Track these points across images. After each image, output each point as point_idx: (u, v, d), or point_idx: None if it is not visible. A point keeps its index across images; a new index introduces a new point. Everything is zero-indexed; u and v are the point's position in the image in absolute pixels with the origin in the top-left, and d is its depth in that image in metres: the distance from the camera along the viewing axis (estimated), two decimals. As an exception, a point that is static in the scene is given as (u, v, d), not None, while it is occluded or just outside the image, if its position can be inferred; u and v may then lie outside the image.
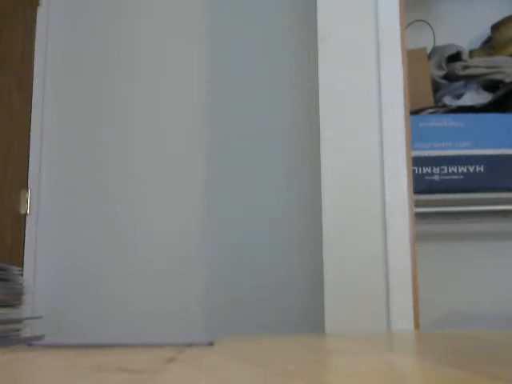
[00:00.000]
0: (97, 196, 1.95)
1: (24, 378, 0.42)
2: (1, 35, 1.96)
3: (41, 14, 2.01)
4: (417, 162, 1.79)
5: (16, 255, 1.86)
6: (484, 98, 1.89)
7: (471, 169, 1.82)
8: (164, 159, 1.96)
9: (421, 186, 1.77)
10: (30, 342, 0.79)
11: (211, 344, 0.74)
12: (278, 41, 2.01)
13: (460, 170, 1.82)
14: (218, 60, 2.01)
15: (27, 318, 0.97)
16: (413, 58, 1.76)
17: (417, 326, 1.43)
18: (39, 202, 1.92)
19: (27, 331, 0.97)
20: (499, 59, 1.91)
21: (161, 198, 1.94)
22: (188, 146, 1.97)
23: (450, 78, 1.94)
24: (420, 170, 1.82)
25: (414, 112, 1.84)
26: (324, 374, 0.41)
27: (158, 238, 1.92)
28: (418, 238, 1.53)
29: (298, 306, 1.84)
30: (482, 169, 1.82)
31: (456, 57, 1.95)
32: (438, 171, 1.82)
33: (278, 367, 0.45)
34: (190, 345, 0.74)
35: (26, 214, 1.90)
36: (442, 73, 1.94)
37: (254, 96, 1.99)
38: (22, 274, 0.98)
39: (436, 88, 1.94)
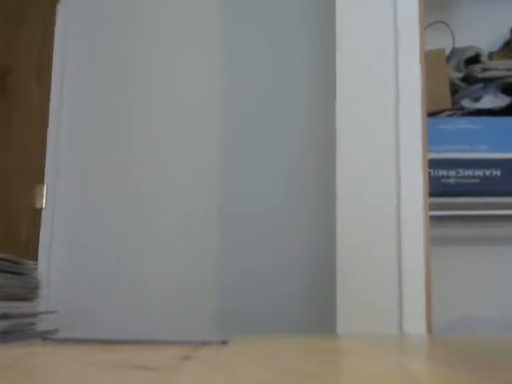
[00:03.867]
0: (112, 191, 1.96)
1: (39, 373, 0.43)
2: (21, 30, 1.97)
3: (60, 9, 2.02)
4: (433, 164, 1.77)
5: (31, 249, 1.87)
6: (502, 101, 1.88)
7: (487, 172, 1.81)
8: (180, 156, 1.97)
9: (436, 188, 1.75)
10: (44, 336, 0.80)
11: (225, 343, 0.74)
12: (293, 44, 2.00)
13: (476, 174, 1.81)
14: (233, 60, 2.01)
15: (42, 313, 0.98)
16: (431, 60, 1.75)
17: (429, 329, 1.42)
18: (55, 197, 1.93)
19: (42, 325, 0.98)
20: (518, 62, 1.89)
21: (176, 193, 1.95)
22: (202, 135, 1.97)
23: (468, 80, 1.93)
24: (436, 172, 1.81)
25: (432, 114, 1.83)
26: (339, 375, 0.41)
27: (173, 232, 1.92)
28: (432, 242, 1.52)
29: (310, 305, 1.84)
30: (498, 173, 1.80)
31: (475, 59, 1.93)
32: (454, 174, 1.81)
33: (294, 367, 0.45)
34: (204, 343, 0.74)
35: (41, 209, 1.91)
36: (460, 75, 1.93)
37: (268, 103, 1.98)
38: (36, 268, 0.99)
39: (454, 90, 1.92)
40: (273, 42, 2.01)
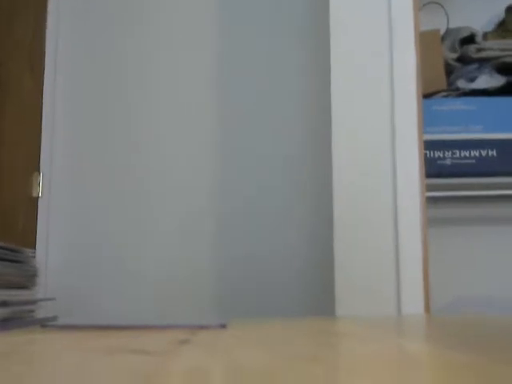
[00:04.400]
0: (108, 179, 1.95)
1: (39, 360, 0.43)
2: (13, 22, 1.96)
3: (52, 1, 2.00)
4: (429, 145, 1.78)
5: (29, 238, 1.87)
6: (498, 81, 1.88)
7: (483, 153, 1.81)
8: (178, 153, 1.96)
9: (432, 169, 1.76)
10: (43, 324, 0.80)
11: (223, 326, 0.74)
12: (288, 22, 1.99)
13: (472, 154, 1.81)
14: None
15: (40, 300, 0.98)
16: (426, 40, 1.75)
17: (427, 310, 1.43)
18: (51, 185, 1.93)
19: (40, 313, 0.98)
20: (513, 42, 1.89)
21: (174, 185, 1.95)
22: (200, 132, 1.97)
23: (463, 60, 1.92)
24: (432, 153, 1.81)
25: (427, 95, 1.83)
26: (337, 358, 0.41)
27: (170, 223, 1.93)
28: (429, 223, 1.53)
29: (309, 289, 1.85)
30: (494, 153, 1.80)
31: (470, 39, 1.93)
32: (449, 155, 1.81)
33: (292, 351, 0.46)
34: (202, 327, 0.74)
35: (38, 197, 1.91)
36: (455, 55, 1.92)
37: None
38: (34, 256, 0.99)
39: (449, 71, 1.92)
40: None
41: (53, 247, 1.91)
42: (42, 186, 1.91)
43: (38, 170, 1.91)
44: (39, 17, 1.98)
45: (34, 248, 1.87)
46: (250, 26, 2.01)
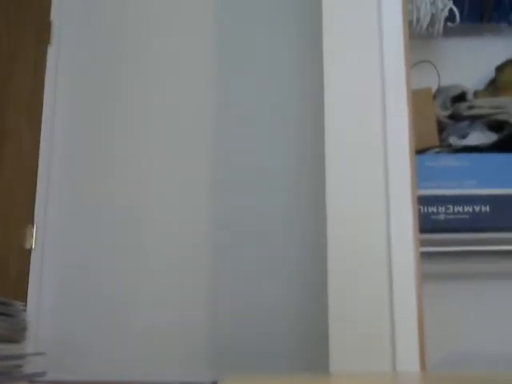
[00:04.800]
0: (102, 233, 1.95)
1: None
2: (12, 73, 1.99)
3: (51, 52, 2.04)
4: (422, 201, 1.79)
5: (20, 290, 1.85)
6: (489, 138, 1.90)
7: (477, 208, 1.82)
8: (171, 198, 1.97)
9: (426, 225, 1.76)
10: (32, 379, 0.79)
11: (214, 383, 0.73)
12: (286, 80, 2.03)
13: (466, 210, 1.82)
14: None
15: (30, 355, 0.97)
16: (418, 98, 1.78)
17: (423, 366, 1.41)
18: (45, 238, 1.92)
19: (29, 367, 0.96)
20: (504, 100, 1.93)
21: (167, 232, 1.94)
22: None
23: (454, 117, 1.95)
24: (426, 209, 1.82)
25: (420, 151, 1.85)
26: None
27: (164, 272, 1.91)
28: (423, 278, 1.52)
29: (302, 344, 1.83)
30: (487, 208, 1.81)
31: (461, 97, 1.97)
32: (443, 210, 1.82)
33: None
34: (193, 384, 0.73)
35: (31, 249, 1.90)
36: (447, 113, 1.95)
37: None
38: (25, 310, 0.98)
39: (441, 128, 1.95)
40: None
41: (45, 300, 1.89)
42: (36, 238, 1.90)
43: (32, 222, 1.91)
44: (38, 71, 2.01)
45: (26, 300, 1.85)
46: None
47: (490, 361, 1.89)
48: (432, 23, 2.01)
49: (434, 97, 1.98)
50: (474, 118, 1.92)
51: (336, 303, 1.44)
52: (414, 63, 2.02)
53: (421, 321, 1.43)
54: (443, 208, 1.82)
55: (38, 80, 2.01)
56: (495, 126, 1.92)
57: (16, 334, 0.93)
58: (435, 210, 1.82)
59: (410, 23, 1.94)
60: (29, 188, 1.93)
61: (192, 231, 1.94)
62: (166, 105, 2.04)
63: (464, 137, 1.92)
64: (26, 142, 1.96)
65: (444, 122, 1.95)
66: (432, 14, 1.99)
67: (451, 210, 1.82)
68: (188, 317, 1.88)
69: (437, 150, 1.91)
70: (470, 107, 1.92)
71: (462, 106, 1.93)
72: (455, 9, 1.99)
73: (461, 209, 1.82)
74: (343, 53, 1.57)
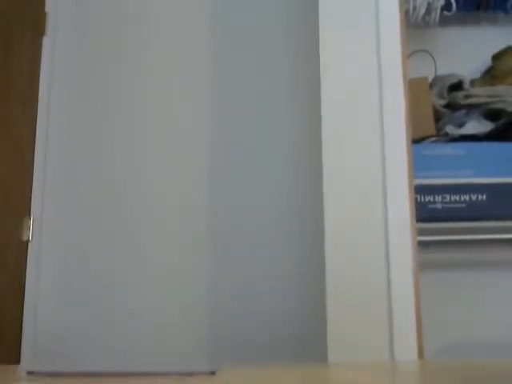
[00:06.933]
0: (99, 224, 1.95)
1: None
2: (8, 64, 1.98)
3: (46, 43, 2.03)
4: (419, 190, 1.79)
5: (18, 281, 1.86)
6: (485, 126, 1.90)
7: (473, 197, 1.82)
8: (167, 198, 1.97)
9: (423, 214, 1.76)
10: (29, 370, 0.79)
11: (213, 373, 0.73)
12: (280, 75, 2.02)
13: (462, 199, 1.82)
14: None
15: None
16: (415, 88, 1.78)
17: (420, 355, 1.41)
18: (41, 229, 1.92)
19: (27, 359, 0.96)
20: (500, 89, 1.92)
21: (166, 226, 1.94)
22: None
23: (451, 106, 1.95)
24: (422, 198, 1.82)
25: (417, 141, 1.85)
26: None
27: (162, 267, 1.91)
28: (420, 267, 1.53)
29: (300, 335, 1.83)
30: (484, 197, 1.82)
31: (457, 86, 1.97)
32: (440, 199, 1.82)
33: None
34: (191, 374, 0.73)
35: (28, 241, 1.90)
36: (443, 102, 1.95)
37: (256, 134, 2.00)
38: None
39: (438, 117, 1.95)
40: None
41: (42, 290, 1.89)
42: (33, 230, 1.90)
43: (29, 214, 1.91)
44: (33, 62, 2.00)
45: (23, 291, 1.85)
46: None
47: (487, 349, 1.90)
48: (428, 12, 2.00)
49: (431, 86, 1.98)
50: (470, 107, 1.92)
51: (334, 295, 1.45)
52: (410, 52, 2.01)
53: (418, 310, 1.43)
54: (440, 197, 1.82)
55: (34, 71, 2.00)
56: (492, 114, 1.92)
57: None
58: (432, 199, 1.82)
59: (407, 12, 1.93)
60: (25, 180, 1.93)
61: (191, 222, 1.94)
62: (164, 99, 2.03)
63: (461, 126, 1.92)
64: (22, 133, 1.95)
65: (441, 111, 1.95)
66: (428, 3, 1.99)
67: (448, 198, 1.82)
68: (188, 314, 1.88)
69: (433, 139, 1.91)
70: (467, 96, 1.92)
71: (459, 94, 1.93)
72: (451, -3, 1.99)
73: (458, 198, 1.82)
74: (340, 42, 1.57)
